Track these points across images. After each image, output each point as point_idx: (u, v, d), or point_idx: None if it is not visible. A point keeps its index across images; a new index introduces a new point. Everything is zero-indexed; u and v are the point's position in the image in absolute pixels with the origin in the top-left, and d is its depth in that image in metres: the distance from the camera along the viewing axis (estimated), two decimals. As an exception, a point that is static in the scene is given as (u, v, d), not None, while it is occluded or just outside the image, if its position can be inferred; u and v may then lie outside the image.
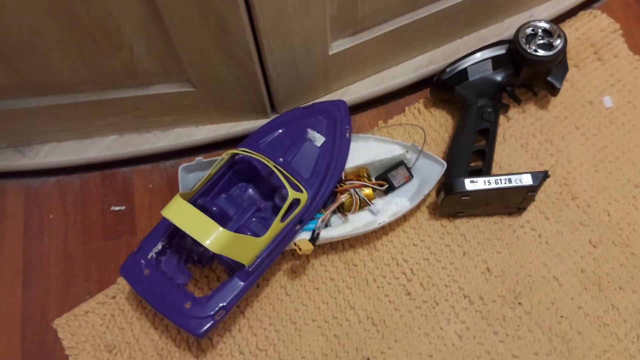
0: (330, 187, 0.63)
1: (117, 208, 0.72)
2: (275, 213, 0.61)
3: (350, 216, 0.65)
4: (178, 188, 0.65)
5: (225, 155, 0.62)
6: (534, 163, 0.72)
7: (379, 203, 0.66)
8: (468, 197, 0.64)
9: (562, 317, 0.64)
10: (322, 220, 0.63)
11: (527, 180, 0.63)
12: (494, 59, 0.70)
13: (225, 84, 0.64)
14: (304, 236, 0.62)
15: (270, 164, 0.60)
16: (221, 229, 0.54)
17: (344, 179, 0.66)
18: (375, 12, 0.64)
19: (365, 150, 0.67)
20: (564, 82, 0.71)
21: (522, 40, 0.67)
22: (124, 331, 0.65)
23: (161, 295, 0.58)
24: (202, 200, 0.62)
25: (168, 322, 0.64)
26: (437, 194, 0.68)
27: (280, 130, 0.66)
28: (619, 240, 0.68)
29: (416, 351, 0.63)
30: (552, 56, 0.67)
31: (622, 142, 0.73)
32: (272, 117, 0.71)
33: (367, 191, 0.66)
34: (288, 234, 0.60)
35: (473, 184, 0.63)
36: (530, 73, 0.70)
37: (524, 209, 0.69)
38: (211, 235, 0.54)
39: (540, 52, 0.67)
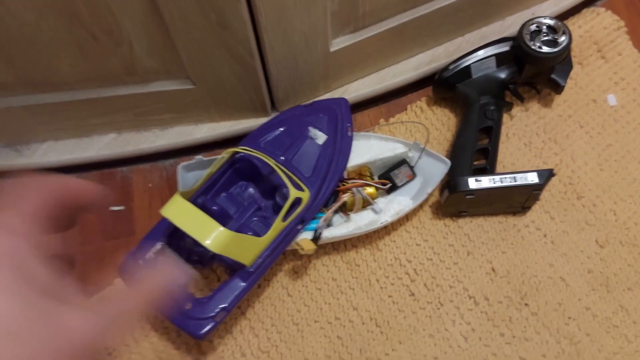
0: (332, 186, 0.62)
1: (116, 208, 0.70)
2: (276, 212, 0.60)
3: (353, 215, 0.64)
4: (178, 187, 0.64)
5: (225, 153, 0.61)
6: (538, 162, 0.71)
7: (381, 202, 0.65)
8: (472, 196, 0.63)
9: (569, 318, 0.63)
10: (324, 220, 0.62)
11: (532, 178, 0.62)
12: (498, 56, 0.69)
13: (225, 81, 0.63)
14: (306, 236, 0.61)
15: (271, 162, 0.59)
16: (222, 228, 0.53)
17: (346, 177, 0.65)
18: (376, 9, 0.63)
19: (367, 149, 0.66)
20: (568, 80, 0.70)
21: (527, 37, 0.67)
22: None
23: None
24: (202, 199, 0.61)
25: (167, 324, 0.63)
26: (441, 193, 0.67)
27: (281, 129, 0.65)
28: (626, 240, 0.67)
29: (421, 353, 0.62)
30: (557, 53, 0.66)
31: (627, 140, 0.72)
32: (273, 115, 0.70)
33: (370, 190, 0.65)
34: (289, 233, 0.59)
35: (478, 183, 0.62)
36: (534, 70, 0.69)
37: (529, 208, 0.68)
38: (211, 234, 0.52)
39: (545, 49, 0.66)
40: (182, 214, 0.54)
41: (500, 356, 0.62)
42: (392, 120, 0.74)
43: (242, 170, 0.63)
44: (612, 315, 0.63)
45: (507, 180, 0.62)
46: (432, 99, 0.75)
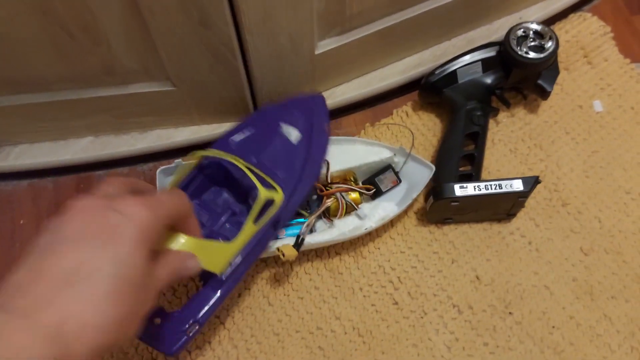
0: (309, 185, 0.60)
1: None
2: (251, 216, 0.57)
3: (337, 221, 0.62)
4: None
5: (191, 158, 0.57)
6: (524, 168, 0.71)
7: (366, 208, 0.64)
8: (457, 203, 0.62)
9: (553, 327, 0.63)
10: (307, 225, 0.60)
11: (517, 185, 0.62)
12: (484, 61, 0.69)
13: (206, 82, 0.62)
14: (287, 242, 0.59)
15: (239, 163, 0.55)
16: (183, 236, 0.46)
17: (330, 182, 0.64)
18: (363, 11, 0.62)
19: (352, 153, 0.65)
20: (554, 86, 0.70)
21: (513, 42, 0.66)
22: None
23: None
24: None
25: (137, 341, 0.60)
26: (426, 199, 0.66)
27: (252, 128, 0.61)
28: (610, 248, 0.66)
29: (404, 363, 0.61)
30: (544, 58, 0.65)
31: (613, 147, 0.72)
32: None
33: (354, 195, 0.64)
34: (264, 237, 0.56)
35: (463, 190, 0.61)
36: (520, 76, 0.68)
37: (514, 215, 0.67)
38: (170, 244, 0.45)
39: (532, 55, 0.65)
40: None
41: (484, 366, 0.61)
42: (377, 124, 0.73)
43: (212, 175, 0.60)
44: (595, 324, 0.63)
45: (492, 188, 0.61)
46: (418, 103, 0.75)
